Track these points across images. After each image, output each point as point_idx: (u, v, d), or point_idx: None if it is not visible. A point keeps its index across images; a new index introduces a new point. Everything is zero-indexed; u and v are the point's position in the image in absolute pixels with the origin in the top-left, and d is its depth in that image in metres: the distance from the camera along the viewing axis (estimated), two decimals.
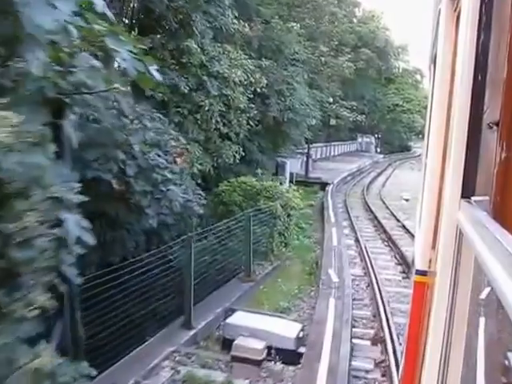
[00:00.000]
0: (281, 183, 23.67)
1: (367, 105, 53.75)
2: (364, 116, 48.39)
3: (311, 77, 27.09)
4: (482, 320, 1.10)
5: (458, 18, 2.00)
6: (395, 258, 16.18)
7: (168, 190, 10.00)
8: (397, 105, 60.57)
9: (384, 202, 27.75)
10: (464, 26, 1.53)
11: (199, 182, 17.47)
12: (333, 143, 50.93)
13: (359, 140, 65.94)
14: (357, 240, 18.14)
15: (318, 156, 44.48)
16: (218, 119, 17.67)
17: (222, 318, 11.00)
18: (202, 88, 17.26)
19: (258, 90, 18.98)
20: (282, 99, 21.47)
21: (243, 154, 19.40)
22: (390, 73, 61.95)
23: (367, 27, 52.10)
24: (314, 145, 40.49)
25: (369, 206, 25.61)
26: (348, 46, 42.31)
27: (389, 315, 10.91)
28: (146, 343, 9.30)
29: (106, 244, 10.28)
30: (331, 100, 39.02)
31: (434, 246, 2.28)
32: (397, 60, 64.03)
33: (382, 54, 54.73)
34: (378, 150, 66.95)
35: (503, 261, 0.76)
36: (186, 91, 16.61)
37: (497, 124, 1.19)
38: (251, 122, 19.19)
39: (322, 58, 28.57)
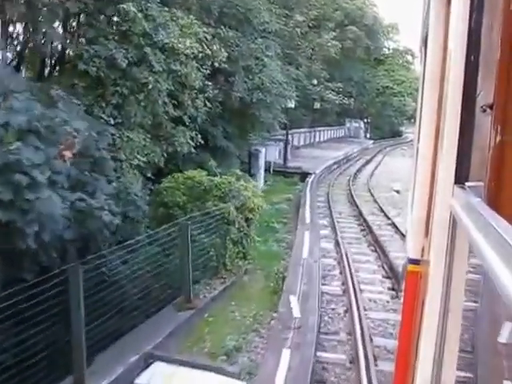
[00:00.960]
0: (252, 175, 20.68)
1: (355, 87, 50.66)
2: (352, 99, 45.58)
3: (287, 52, 23.66)
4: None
5: None
6: (382, 268, 13.11)
7: (37, 198, 6.74)
8: (387, 87, 57.60)
9: (372, 195, 24.62)
10: (456, 4, 1.53)
11: (151, 176, 14.68)
12: (318, 128, 47.21)
13: (347, 125, 62.40)
14: (337, 243, 15.07)
15: (302, 143, 40.94)
16: (167, 100, 14.60)
17: (139, 370, 8.08)
18: (145, 62, 14.14)
19: (218, 64, 15.76)
20: (250, 77, 18.20)
21: (203, 141, 16.31)
22: (379, 53, 59.03)
23: (354, 3, 48.42)
24: (297, 130, 37.14)
25: (354, 200, 22.45)
26: (332, 21, 38.89)
27: (371, 361, 8.04)
28: None
29: (14, 257, 7.94)
30: (315, 82, 35.87)
31: (427, 234, 2.14)
32: (386, 39, 61.13)
33: (371, 32, 51.23)
34: (368, 135, 63.78)
35: (498, 248, 0.75)
36: (124, 65, 13.49)
37: (490, 107, 1.17)
38: (210, 104, 16.02)
39: (298, 29, 24.99)
